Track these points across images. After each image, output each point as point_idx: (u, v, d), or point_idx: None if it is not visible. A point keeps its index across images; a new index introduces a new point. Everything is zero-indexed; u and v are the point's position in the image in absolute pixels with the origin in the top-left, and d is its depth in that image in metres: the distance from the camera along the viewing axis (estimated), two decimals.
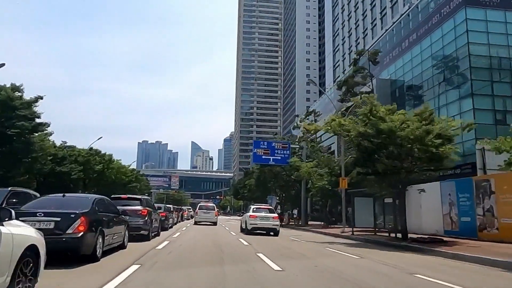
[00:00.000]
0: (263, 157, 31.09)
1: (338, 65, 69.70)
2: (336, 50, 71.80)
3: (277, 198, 46.21)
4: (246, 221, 19.91)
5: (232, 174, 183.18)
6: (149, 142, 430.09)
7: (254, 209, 20.45)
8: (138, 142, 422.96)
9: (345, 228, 21.60)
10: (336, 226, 30.23)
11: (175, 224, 26.57)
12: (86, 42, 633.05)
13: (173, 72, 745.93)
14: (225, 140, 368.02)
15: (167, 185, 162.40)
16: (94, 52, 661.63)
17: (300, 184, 34.93)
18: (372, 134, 15.34)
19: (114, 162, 48.86)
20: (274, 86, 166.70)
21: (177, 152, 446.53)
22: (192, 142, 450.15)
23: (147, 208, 12.49)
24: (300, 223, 31.69)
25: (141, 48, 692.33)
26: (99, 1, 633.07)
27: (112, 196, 12.48)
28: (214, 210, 31.03)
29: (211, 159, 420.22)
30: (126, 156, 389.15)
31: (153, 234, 13.81)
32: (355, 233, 19.75)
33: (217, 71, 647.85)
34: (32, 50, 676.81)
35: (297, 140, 42.92)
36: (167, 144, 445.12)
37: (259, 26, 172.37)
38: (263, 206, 22.18)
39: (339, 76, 67.87)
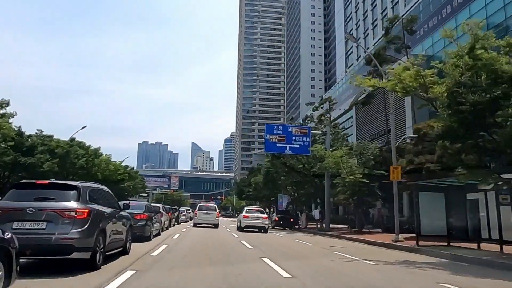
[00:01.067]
0: (278, 145, 25.01)
1: (351, 52, 63.66)
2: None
3: (289, 196, 40.10)
4: (240, 220, 23.64)
5: (233, 174, 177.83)
6: (149, 143, 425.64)
7: (247, 210, 24.49)
8: (138, 143, 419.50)
9: (399, 236, 15.44)
10: (369, 231, 24.15)
11: (166, 229, 20.48)
12: (86, 43, 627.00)
13: (174, 73, 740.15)
14: (225, 140, 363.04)
15: (167, 186, 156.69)
16: (94, 53, 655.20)
17: (320, 179, 28.83)
18: (479, 85, 9.28)
19: (100, 156, 42.63)
20: (277, 83, 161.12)
21: (177, 153, 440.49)
22: (193, 143, 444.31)
23: (91, 206, 6.32)
24: (323, 226, 25.52)
25: (142, 48, 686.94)
26: (99, 1, 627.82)
27: (20, 182, 6.46)
28: (215, 210, 27.48)
29: (211, 159, 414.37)
30: (126, 156, 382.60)
31: (115, 251, 7.78)
32: (420, 243, 13.67)
33: (218, 72, 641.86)
34: (32, 50, 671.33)
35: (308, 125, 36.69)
36: (167, 145, 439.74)
37: (261, 21, 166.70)
38: (254, 208, 27.03)
39: (352, 64, 61.94)
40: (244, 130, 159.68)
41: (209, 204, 31.94)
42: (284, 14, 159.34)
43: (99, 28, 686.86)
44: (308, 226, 29.57)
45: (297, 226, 30.35)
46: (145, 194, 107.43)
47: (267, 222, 23.53)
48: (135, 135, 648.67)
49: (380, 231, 25.08)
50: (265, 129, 25.43)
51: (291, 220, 30.17)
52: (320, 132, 26.58)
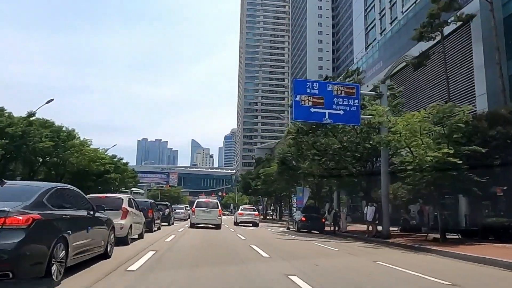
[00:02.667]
0: (313, 110, 16.68)
1: (374, 25, 55.28)
2: (369, 8, 57.36)
3: (310, 190, 31.94)
4: (236, 216, 28.98)
5: (234, 171, 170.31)
6: (148, 140, 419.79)
7: (242, 208, 30.41)
8: (138, 140, 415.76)
9: None
10: (459, 237, 16.10)
11: (140, 237, 12.30)
12: (86, 40, 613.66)
13: (174, 70, 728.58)
14: (225, 137, 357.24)
15: (165, 182, 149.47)
16: (94, 50, 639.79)
17: (363, 163, 20.74)
18: None
19: (73, 140, 34.16)
20: (280, 74, 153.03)
21: (177, 150, 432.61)
22: (192, 140, 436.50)
23: None
24: (378, 231, 17.19)
25: (141, 46, 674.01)
26: None
27: None
28: (218, 208, 22.21)
29: (211, 156, 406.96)
30: (126, 154, 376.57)
31: None
32: None
33: (218, 69, 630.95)
34: (32, 49, 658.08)
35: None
36: (167, 142, 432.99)
37: (264, 9, 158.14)
38: (248, 206, 34.01)
39: (375, 39, 53.69)
40: (246, 124, 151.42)
41: (210, 200, 25.13)
42: (288, 2, 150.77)
43: (99, 26, 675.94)
44: (342, 230, 21.27)
45: (328, 229, 22.13)
46: (142, 190, 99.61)
47: (257, 218, 28.19)
48: (135, 132, 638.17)
49: (457, 236, 17.14)
50: (294, 87, 17.04)
51: (323, 220, 21.99)
52: (374, 93, 18.15)
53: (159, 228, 19.00)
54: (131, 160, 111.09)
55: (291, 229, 24.25)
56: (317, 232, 21.63)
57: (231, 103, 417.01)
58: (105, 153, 44.92)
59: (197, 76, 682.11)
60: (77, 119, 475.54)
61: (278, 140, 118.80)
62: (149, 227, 16.25)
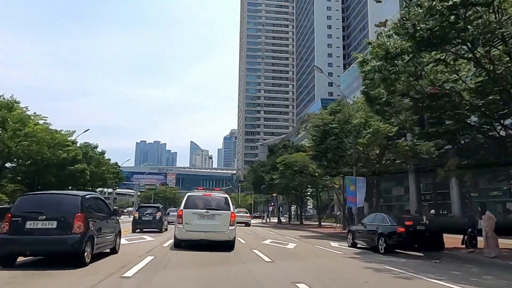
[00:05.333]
0: None
1: None
2: None
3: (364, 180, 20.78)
4: None
5: (234, 171, 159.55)
6: (147, 142, 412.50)
7: (236, 211, 30.01)
8: (136, 142, 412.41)
9: None
10: None
11: None
12: (85, 43, 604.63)
13: (172, 72, 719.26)
14: (225, 138, 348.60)
15: (163, 184, 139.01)
16: (93, 53, 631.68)
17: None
18: None
19: (14, 112, 23.13)
20: (284, 66, 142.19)
21: (175, 152, 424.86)
22: (191, 142, 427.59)
23: None
24: None
25: (140, 48, 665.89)
26: (97, 2, 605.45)
27: None
28: (228, 208, 11.31)
29: (210, 157, 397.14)
30: (124, 156, 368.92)
31: None
32: None
33: (217, 71, 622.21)
34: (30, 52, 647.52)
35: None
36: (165, 144, 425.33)
37: None
38: (241, 209, 37.22)
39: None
40: (248, 120, 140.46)
41: (213, 195, 12.30)
42: None
43: (98, 29, 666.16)
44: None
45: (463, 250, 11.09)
46: (132, 191, 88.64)
47: (249, 219, 33.40)
48: (133, 134, 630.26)
49: None
50: None
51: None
52: None
53: (112, 251, 8.20)
54: (129, 162, 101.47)
55: (358, 246, 13.36)
56: (436, 260, 10.50)
57: (230, 104, 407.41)
58: (71, 138, 33.82)
59: (196, 77, 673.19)
60: (76, 121, 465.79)
61: (283, 136, 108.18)
62: (77, 257, 5.42)
